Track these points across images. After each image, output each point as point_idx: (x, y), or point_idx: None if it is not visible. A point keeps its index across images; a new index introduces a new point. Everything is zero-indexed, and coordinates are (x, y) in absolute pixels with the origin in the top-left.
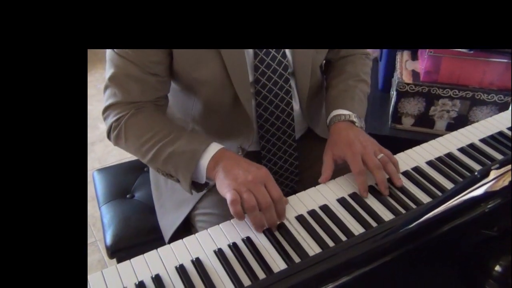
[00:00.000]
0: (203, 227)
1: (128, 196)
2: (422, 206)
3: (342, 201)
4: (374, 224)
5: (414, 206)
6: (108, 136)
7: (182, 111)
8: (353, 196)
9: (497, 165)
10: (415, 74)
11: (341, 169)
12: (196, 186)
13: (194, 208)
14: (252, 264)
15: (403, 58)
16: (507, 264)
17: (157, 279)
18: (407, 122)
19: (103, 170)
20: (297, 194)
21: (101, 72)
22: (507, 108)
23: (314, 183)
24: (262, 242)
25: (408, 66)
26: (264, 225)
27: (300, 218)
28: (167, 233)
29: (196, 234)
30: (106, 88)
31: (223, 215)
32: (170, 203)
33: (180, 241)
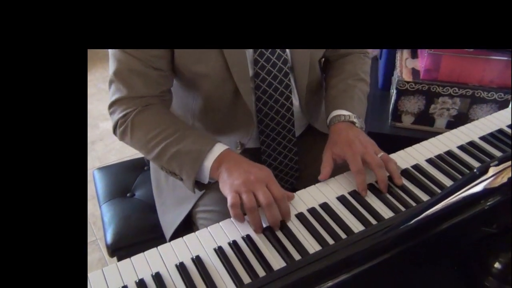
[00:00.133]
0: (205, 224)
1: (128, 194)
2: (421, 204)
3: (342, 199)
4: (373, 222)
5: (413, 204)
6: (114, 132)
7: (182, 107)
8: (353, 194)
9: (496, 162)
10: (415, 72)
11: (340, 168)
12: (198, 184)
13: (195, 205)
14: (252, 261)
15: (403, 56)
16: (506, 261)
17: (157, 277)
18: (407, 120)
19: (103, 169)
20: (297, 192)
21: (102, 71)
22: (507, 106)
23: (314, 180)
24: (262, 240)
25: (408, 64)
26: (262, 226)
27: (300, 216)
28: (168, 231)
29: (196, 232)
30: (111, 83)
31: (225, 212)
32: (171, 201)
33: (180, 239)
